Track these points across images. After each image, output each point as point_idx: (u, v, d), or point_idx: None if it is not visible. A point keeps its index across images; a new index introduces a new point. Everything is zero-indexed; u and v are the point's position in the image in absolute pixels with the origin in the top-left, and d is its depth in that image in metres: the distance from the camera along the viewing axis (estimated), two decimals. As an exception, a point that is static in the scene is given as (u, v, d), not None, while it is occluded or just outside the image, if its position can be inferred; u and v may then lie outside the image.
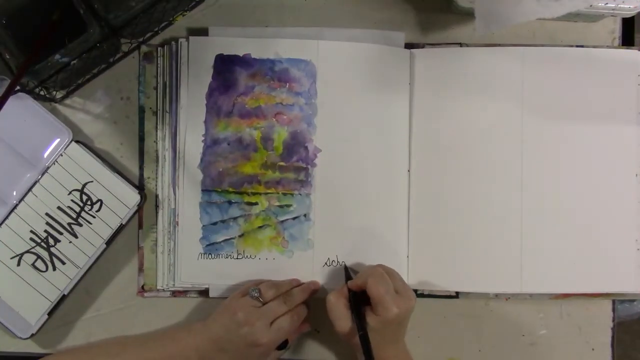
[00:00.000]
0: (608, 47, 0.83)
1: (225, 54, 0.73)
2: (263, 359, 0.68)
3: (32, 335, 0.67)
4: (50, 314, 0.68)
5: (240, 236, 0.70)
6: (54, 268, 0.67)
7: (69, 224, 0.67)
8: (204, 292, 0.71)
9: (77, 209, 0.67)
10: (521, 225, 0.78)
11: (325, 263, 0.71)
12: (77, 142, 0.69)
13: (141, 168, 0.71)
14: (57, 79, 0.65)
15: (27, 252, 0.67)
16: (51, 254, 0.67)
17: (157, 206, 0.71)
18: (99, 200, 0.68)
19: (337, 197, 0.72)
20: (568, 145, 0.80)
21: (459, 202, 0.78)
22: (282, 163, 0.70)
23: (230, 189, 0.70)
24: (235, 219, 0.70)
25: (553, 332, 0.80)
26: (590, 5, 0.72)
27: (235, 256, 0.70)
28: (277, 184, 0.70)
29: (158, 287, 0.71)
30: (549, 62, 0.81)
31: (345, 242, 0.72)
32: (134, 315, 0.71)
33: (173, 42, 0.75)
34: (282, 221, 0.70)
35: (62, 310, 0.70)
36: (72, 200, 0.68)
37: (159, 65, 0.73)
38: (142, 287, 0.71)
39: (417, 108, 0.77)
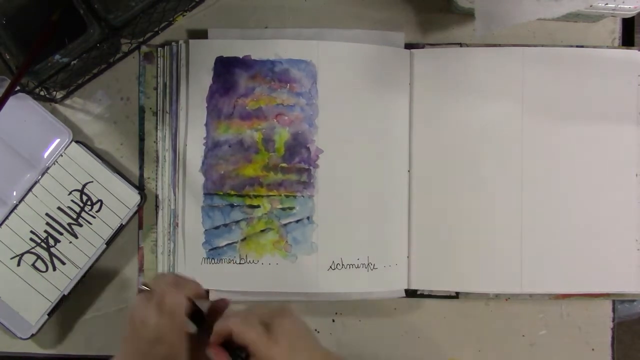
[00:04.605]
0: (608, 47, 0.82)
1: (225, 56, 0.72)
2: None
3: (33, 335, 0.67)
4: (50, 314, 0.67)
5: (242, 240, 0.69)
6: (54, 268, 0.67)
7: (69, 224, 0.67)
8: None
9: (77, 209, 0.67)
10: (521, 225, 0.77)
11: (330, 266, 0.70)
12: (77, 142, 0.68)
13: (141, 168, 0.71)
14: (57, 79, 0.65)
15: (27, 252, 0.67)
16: (51, 254, 0.67)
17: (157, 207, 0.70)
18: (99, 200, 0.67)
19: (340, 198, 0.71)
20: (568, 145, 0.79)
21: (459, 202, 0.77)
22: (283, 164, 0.69)
23: (232, 192, 0.69)
24: (237, 222, 0.69)
25: (553, 332, 0.79)
26: (591, 6, 0.72)
27: (238, 261, 0.69)
28: (279, 185, 0.69)
29: None
30: (549, 62, 0.80)
31: (350, 244, 0.71)
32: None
33: (173, 44, 0.74)
34: (285, 224, 0.69)
35: (62, 310, 0.69)
36: (72, 201, 0.67)
37: (159, 65, 0.73)
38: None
39: (417, 108, 0.77)
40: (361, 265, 0.71)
